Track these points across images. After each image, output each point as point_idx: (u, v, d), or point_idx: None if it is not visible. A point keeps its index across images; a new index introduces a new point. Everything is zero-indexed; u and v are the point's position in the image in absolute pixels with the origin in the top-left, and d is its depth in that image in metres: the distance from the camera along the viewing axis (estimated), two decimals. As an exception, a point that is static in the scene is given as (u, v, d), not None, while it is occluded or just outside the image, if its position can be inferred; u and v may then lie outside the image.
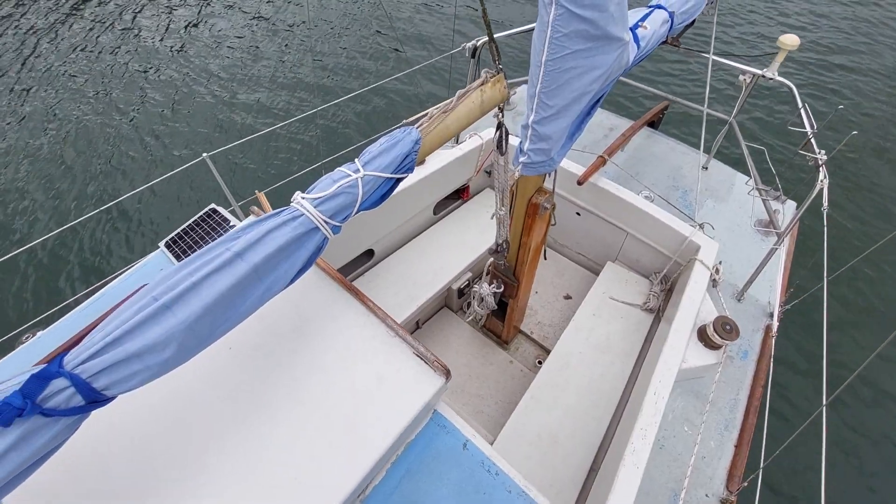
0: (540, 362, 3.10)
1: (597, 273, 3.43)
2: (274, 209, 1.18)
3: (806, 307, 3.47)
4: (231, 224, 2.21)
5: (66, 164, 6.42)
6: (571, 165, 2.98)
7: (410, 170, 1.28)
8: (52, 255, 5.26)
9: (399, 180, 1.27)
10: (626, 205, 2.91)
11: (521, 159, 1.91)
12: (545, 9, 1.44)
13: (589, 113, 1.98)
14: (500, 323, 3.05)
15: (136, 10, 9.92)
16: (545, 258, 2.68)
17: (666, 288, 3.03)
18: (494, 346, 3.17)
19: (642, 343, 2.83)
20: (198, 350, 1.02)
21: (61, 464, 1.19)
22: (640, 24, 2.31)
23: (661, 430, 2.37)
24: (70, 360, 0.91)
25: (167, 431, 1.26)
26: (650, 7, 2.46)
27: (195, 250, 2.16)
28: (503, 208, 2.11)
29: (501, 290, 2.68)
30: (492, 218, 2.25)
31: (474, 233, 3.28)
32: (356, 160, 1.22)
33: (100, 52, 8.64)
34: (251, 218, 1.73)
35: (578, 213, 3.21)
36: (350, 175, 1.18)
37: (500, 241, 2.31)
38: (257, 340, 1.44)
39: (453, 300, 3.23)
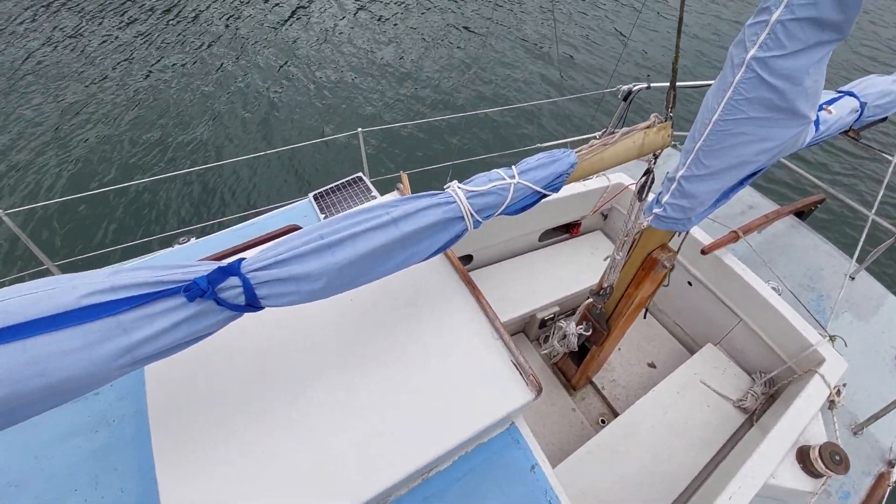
0: (603, 421, 2.95)
1: (691, 350, 3.19)
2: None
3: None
4: (372, 194, 2.44)
5: (245, 117, 7.44)
6: (699, 232, 2.83)
7: (557, 189, 1.33)
8: (218, 181, 6.20)
9: (544, 196, 1.33)
10: (750, 290, 2.68)
11: (656, 210, 1.87)
12: (732, 69, 1.41)
13: (742, 183, 1.88)
14: (575, 367, 2.96)
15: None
16: (644, 317, 2.57)
17: (769, 392, 2.73)
18: (561, 388, 3.09)
19: (725, 441, 2.58)
20: (338, 291, 1.16)
21: (200, 358, 1.40)
22: (824, 106, 2.15)
23: None
24: (246, 266, 1.09)
25: (282, 356, 1.43)
26: (840, 92, 2.28)
27: (337, 207, 2.45)
28: (620, 253, 2.07)
29: (588, 333, 2.61)
30: (605, 259, 2.22)
31: (573, 269, 3.23)
32: (513, 167, 1.31)
33: (281, 32, 9.90)
34: (395, 193, 1.89)
35: (690, 283, 3.03)
36: (505, 179, 1.26)
37: (606, 286, 2.27)
38: (376, 300, 1.57)
39: (533, 328, 3.21)
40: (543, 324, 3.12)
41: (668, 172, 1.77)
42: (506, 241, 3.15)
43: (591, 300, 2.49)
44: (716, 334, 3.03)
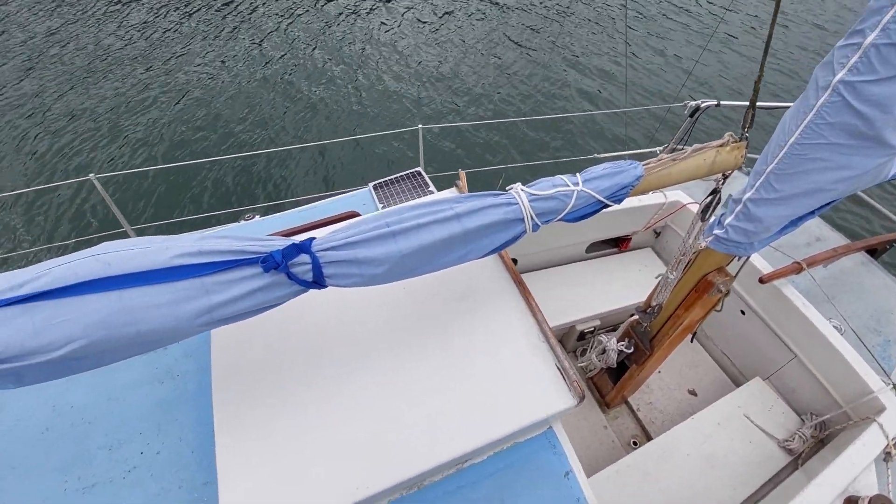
0: (635, 443, 2.88)
1: (737, 382, 3.05)
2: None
3: None
4: (429, 189, 2.52)
5: (321, 107, 7.78)
6: (759, 259, 2.70)
7: (620, 201, 1.33)
8: (284, 165, 6.55)
9: (605, 206, 1.33)
10: (809, 326, 2.54)
11: (717, 232, 1.82)
12: (816, 91, 1.35)
13: (812, 213, 1.79)
14: (611, 384, 2.91)
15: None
16: (692, 341, 2.49)
17: (818, 436, 2.58)
18: (594, 403, 3.04)
19: (766, 481, 2.46)
20: (397, 278, 1.21)
21: (264, 327, 1.51)
22: None
23: None
24: (316, 245, 1.16)
25: (337, 333, 1.51)
26: None
27: (395, 198, 2.54)
28: (674, 273, 2.02)
29: (630, 351, 2.56)
30: (656, 277, 2.17)
31: (618, 285, 3.17)
32: (577, 174, 1.32)
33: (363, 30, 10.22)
34: (453, 190, 1.94)
35: (743, 312, 2.90)
36: (568, 185, 1.28)
37: (654, 304, 2.22)
38: (428, 290, 1.62)
39: (571, 340, 3.17)
40: (582, 336, 3.08)
41: (732, 194, 1.72)
42: (552, 248, 3.14)
43: (636, 317, 2.44)
44: (766, 368, 2.88)
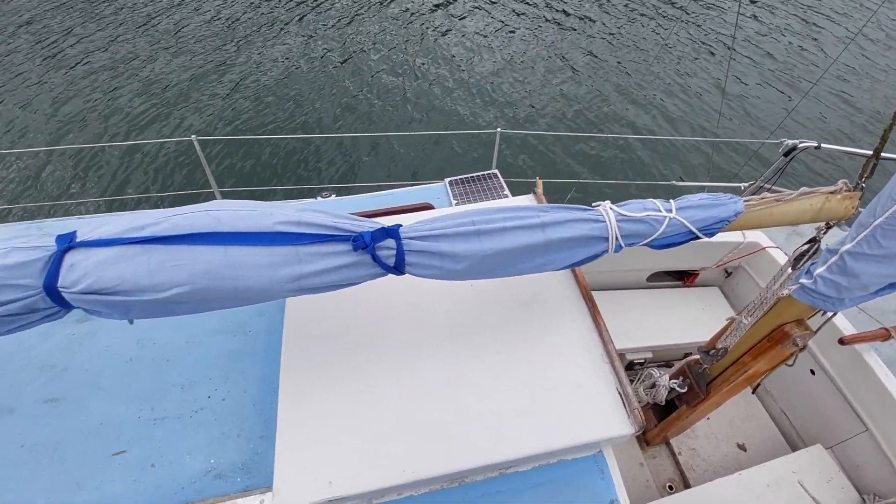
0: (671, 487, 2.75)
1: (794, 446, 2.84)
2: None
3: None
4: (504, 192, 2.55)
5: (399, 99, 8.07)
6: (842, 318, 2.50)
7: (712, 234, 1.28)
8: (364, 149, 6.83)
9: (695, 238, 1.29)
10: (889, 399, 2.32)
11: (804, 281, 1.70)
12: None
13: (920, 279, 1.64)
14: (655, 420, 2.79)
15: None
16: (752, 392, 2.35)
17: None
18: (633, 438, 2.93)
19: None
20: (474, 277, 1.24)
21: (338, 302, 1.59)
22: None
23: None
24: (403, 232, 1.20)
25: (404, 320, 1.57)
26: None
27: (469, 196, 2.59)
28: (749, 317, 1.92)
29: (682, 391, 2.45)
30: (727, 319, 2.07)
31: (677, 320, 3.04)
32: (671, 201, 1.28)
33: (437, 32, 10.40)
34: (530, 197, 1.94)
35: (814, 372, 2.69)
36: (660, 210, 1.25)
37: (720, 347, 2.11)
38: (497, 293, 1.64)
39: None
40: (631, 366, 2.98)
41: (827, 244, 1.61)
42: (612, 270, 3.05)
43: (696, 357, 2.34)
44: (829, 437, 2.66)
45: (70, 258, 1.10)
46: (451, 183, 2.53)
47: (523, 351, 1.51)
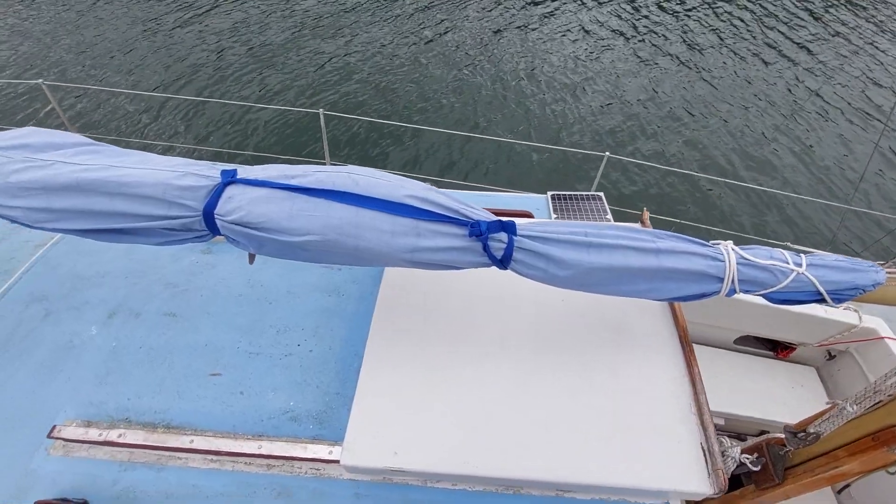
0: None
1: None
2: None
3: None
4: (607, 216, 2.52)
5: (522, 108, 8.26)
6: None
7: (841, 301, 1.19)
8: (470, 150, 7.07)
9: (821, 301, 1.20)
10: None
11: (936, 383, 1.51)
12: None
13: None
14: None
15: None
16: (838, 492, 2.10)
17: None
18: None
19: None
20: (575, 288, 1.25)
21: (433, 283, 1.67)
22: None
23: None
24: (518, 229, 1.25)
25: (493, 318, 1.61)
26: None
27: (569, 213, 2.60)
28: (855, 407, 1.73)
29: (755, 469, 2.25)
30: (828, 403, 1.88)
31: (761, 392, 2.79)
32: (801, 255, 1.21)
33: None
34: (637, 225, 1.91)
35: None
36: (788, 263, 1.18)
37: (812, 432, 1.92)
38: (588, 308, 1.64)
39: None
40: None
41: None
42: (698, 322, 2.87)
43: (779, 436, 2.13)
44: None
45: (229, 191, 1.27)
46: (553, 197, 2.54)
47: (605, 377, 1.48)
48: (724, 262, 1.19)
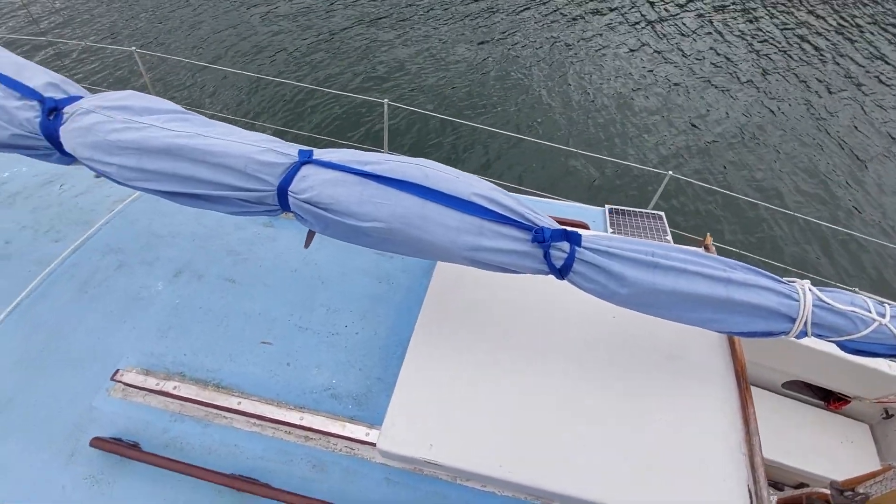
0: None
1: None
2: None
3: None
4: (667, 237, 2.45)
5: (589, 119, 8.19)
6: None
7: None
8: (526, 153, 7.04)
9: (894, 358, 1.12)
10: None
11: None
12: None
13: None
14: None
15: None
16: None
17: None
18: None
19: None
20: (632, 308, 1.23)
21: (486, 284, 1.67)
22: None
23: None
24: (582, 240, 1.23)
25: (545, 328, 1.59)
26: None
27: (626, 229, 2.54)
28: (918, 472, 1.61)
29: (792, 520, 2.13)
30: (883, 465, 1.76)
31: (803, 442, 2.63)
32: (885, 304, 1.13)
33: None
34: (700, 250, 1.85)
35: None
36: (870, 311, 1.11)
37: (861, 492, 1.80)
38: (640, 331, 1.59)
39: None
40: None
41: None
42: (746, 359, 2.74)
43: (822, 491, 2.01)
44: None
45: (305, 170, 1.32)
46: (610, 211, 2.49)
47: (652, 403, 1.44)
48: (798, 301, 1.13)
